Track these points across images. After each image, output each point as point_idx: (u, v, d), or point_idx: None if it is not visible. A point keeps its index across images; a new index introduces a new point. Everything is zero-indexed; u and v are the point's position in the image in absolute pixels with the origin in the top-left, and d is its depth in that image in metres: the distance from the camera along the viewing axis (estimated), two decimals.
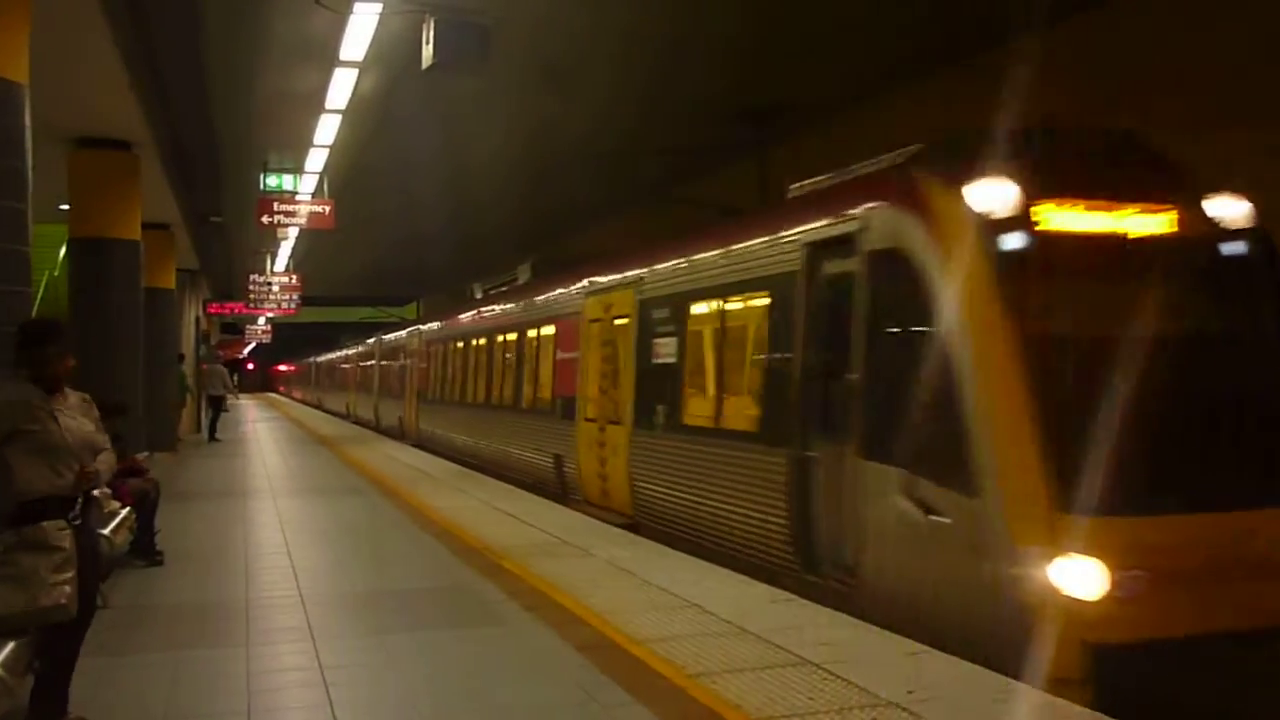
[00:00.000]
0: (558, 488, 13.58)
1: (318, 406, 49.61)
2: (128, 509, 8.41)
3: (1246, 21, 9.81)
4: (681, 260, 10.61)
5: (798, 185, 9.40)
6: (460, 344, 20.55)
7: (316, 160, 18.19)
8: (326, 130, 16.24)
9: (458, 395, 20.33)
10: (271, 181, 18.90)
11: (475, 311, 20.14)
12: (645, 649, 5.82)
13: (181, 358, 23.95)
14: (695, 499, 9.53)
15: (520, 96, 15.39)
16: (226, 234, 26.98)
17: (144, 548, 8.67)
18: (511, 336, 16.75)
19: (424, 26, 10.10)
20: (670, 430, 10.26)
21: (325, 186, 19.54)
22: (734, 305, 9.50)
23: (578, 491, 12.81)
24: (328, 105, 14.80)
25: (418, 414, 24.57)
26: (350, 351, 41.04)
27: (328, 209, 19.29)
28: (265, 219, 18.95)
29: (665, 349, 10.62)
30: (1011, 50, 8.72)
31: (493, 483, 14.70)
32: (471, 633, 6.38)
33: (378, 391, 31.93)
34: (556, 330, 14.31)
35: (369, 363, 34.49)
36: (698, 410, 10.00)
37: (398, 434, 26.21)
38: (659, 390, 10.63)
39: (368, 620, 6.75)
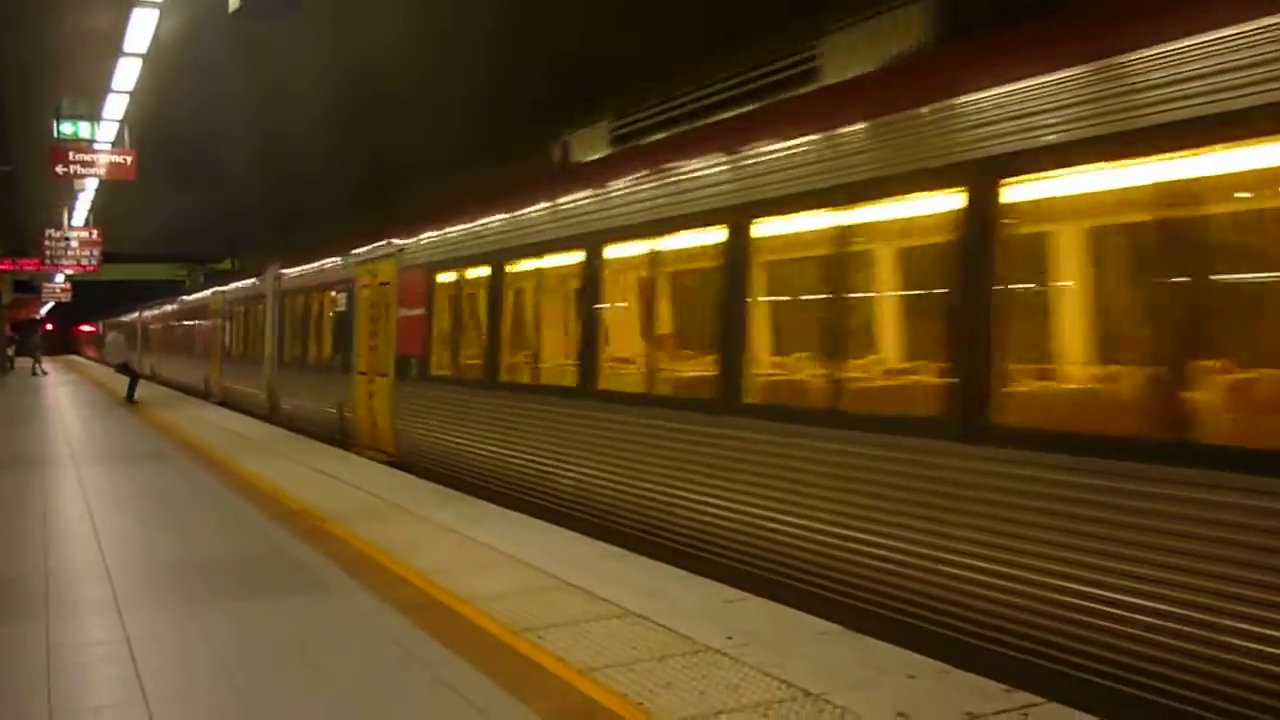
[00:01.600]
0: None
1: (150, 378, 35.24)
2: None
3: None
4: None
5: None
6: (587, 257, 9.16)
7: (116, 107, 17.18)
8: (126, 75, 15.34)
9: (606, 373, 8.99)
10: (66, 129, 17.77)
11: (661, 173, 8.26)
12: (470, 606, 5.81)
13: None
14: None
15: (339, 41, 14.82)
16: (17, 185, 25.22)
17: None
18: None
19: None
20: None
21: (126, 135, 18.50)
22: None
23: None
24: (126, 48, 13.98)
25: (394, 403, 13.30)
26: (210, 296, 28.57)
27: (129, 159, 18.34)
28: (60, 169, 17.92)
29: None
30: None
31: (317, 445, 14.28)
32: (290, 599, 6.21)
33: (275, 359, 20.29)
34: None
35: (254, 309, 22.51)
36: None
37: (335, 430, 15.76)
38: None
39: (180, 589, 6.48)
